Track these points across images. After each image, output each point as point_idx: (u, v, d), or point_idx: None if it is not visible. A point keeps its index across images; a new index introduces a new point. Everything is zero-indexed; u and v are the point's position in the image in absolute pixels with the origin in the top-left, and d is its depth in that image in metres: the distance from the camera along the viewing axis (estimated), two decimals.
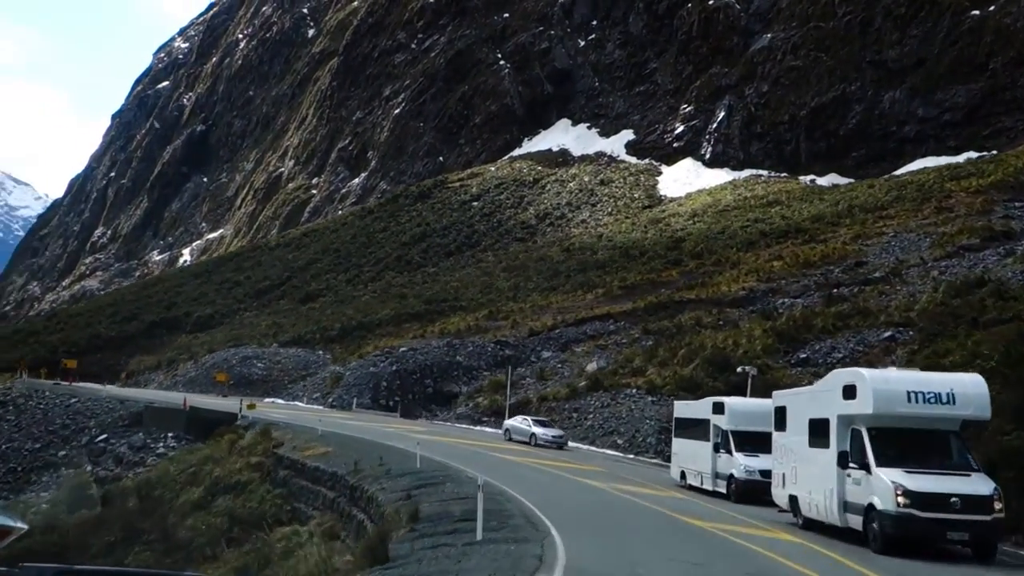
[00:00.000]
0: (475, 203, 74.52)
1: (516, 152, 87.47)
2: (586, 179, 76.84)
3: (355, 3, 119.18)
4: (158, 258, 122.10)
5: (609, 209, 70.03)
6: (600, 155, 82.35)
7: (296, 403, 38.84)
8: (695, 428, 19.30)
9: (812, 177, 65.28)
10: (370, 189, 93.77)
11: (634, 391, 28.39)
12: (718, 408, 18.41)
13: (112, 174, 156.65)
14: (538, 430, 26.62)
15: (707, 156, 75.64)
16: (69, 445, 30.75)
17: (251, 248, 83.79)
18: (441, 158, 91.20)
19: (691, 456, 19.25)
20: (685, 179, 74.31)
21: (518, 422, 27.63)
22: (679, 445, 20.05)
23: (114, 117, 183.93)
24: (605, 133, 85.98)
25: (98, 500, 23.39)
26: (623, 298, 38.21)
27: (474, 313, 41.91)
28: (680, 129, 79.94)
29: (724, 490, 17.66)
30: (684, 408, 20.55)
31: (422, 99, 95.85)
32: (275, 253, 75.61)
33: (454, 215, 72.72)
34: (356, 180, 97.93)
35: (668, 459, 21.99)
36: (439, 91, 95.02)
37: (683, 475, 19.51)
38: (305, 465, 20.09)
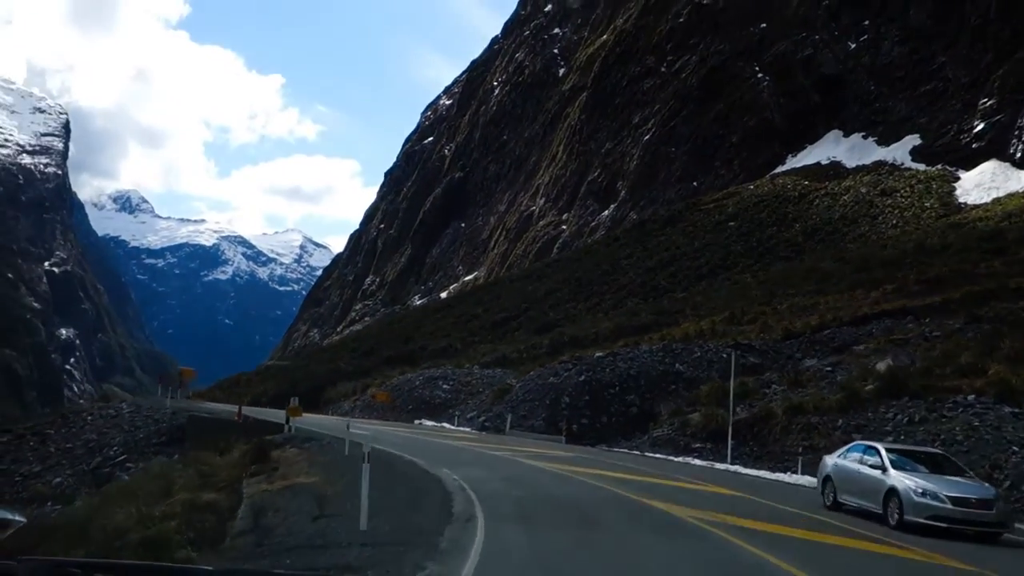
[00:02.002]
0: (731, 223, 66.69)
1: (779, 169, 78.55)
2: (863, 191, 66.41)
3: (604, 37, 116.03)
4: (419, 302, 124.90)
5: (894, 221, 59.45)
6: (880, 164, 71.43)
7: (444, 425, 33.91)
8: None
9: None
10: (619, 220, 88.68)
11: (970, 398, 19.16)
12: None
13: (381, 226, 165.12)
14: (918, 483, 13.18)
15: (1018, 155, 62.80)
16: (73, 468, 26.85)
17: (491, 282, 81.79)
18: (695, 182, 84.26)
19: None
20: (990, 183, 61.85)
21: (855, 462, 14.68)
22: None
23: (386, 175, 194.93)
24: (884, 141, 74.89)
25: None
26: (923, 293, 29.24)
27: (710, 317, 34.56)
28: (980, 127, 67.40)
29: None
30: None
31: (673, 123, 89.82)
32: (515, 285, 72.55)
33: (707, 237, 65.41)
34: (605, 212, 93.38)
35: None
36: (691, 113, 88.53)
37: None
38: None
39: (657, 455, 24.49)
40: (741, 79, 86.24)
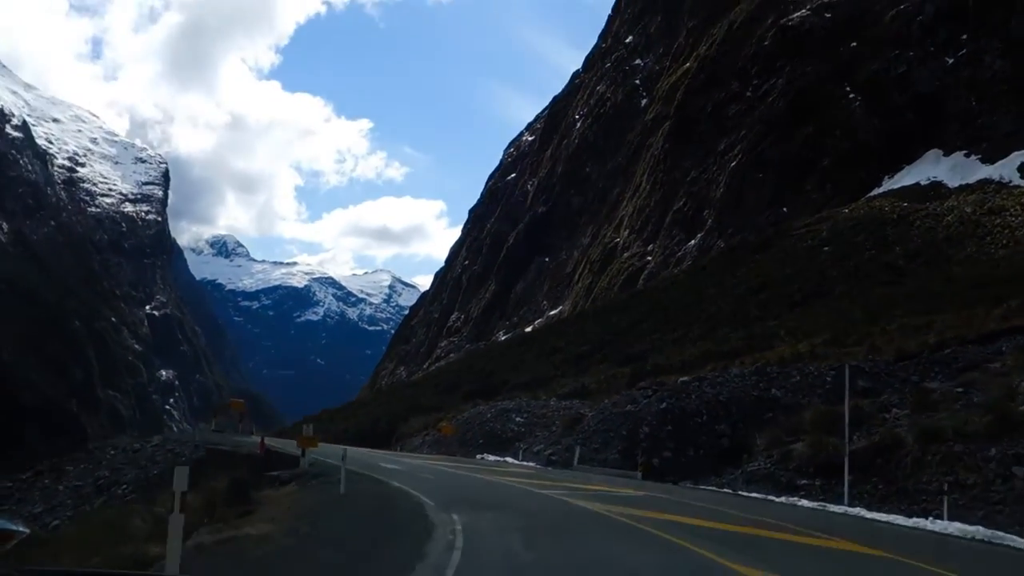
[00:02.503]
0: (826, 248, 63.52)
1: (875, 191, 74.92)
2: (968, 210, 62.43)
3: (687, 65, 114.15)
4: (504, 338, 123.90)
5: (1004, 240, 55.48)
6: (985, 183, 67.33)
7: (507, 459, 31.21)
8: None
9: None
10: (706, 249, 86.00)
11: None
12: None
13: (466, 262, 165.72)
14: None
15: None
16: (76, 509, 25.09)
17: (574, 315, 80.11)
18: (785, 208, 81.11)
19: None
20: None
21: None
22: None
23: (470, 212, 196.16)
24: (989, 158, 70.71)
25: None
26: None
27: (808, 340, 31.86)
28: None
29: None
30: None
31: (760, 148, 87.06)
32: (599, 318, 70.70)
33: (799, 263, 62.41)
34: (692, 242, 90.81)
35: None
36: (779, 137, 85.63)
37: None
38: None
39: (753, 494, 20.90)
40: (831, 101, 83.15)
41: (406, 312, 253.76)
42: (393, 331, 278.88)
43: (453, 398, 55.12)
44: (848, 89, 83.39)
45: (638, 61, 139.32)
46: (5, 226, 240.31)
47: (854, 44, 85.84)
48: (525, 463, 30.07)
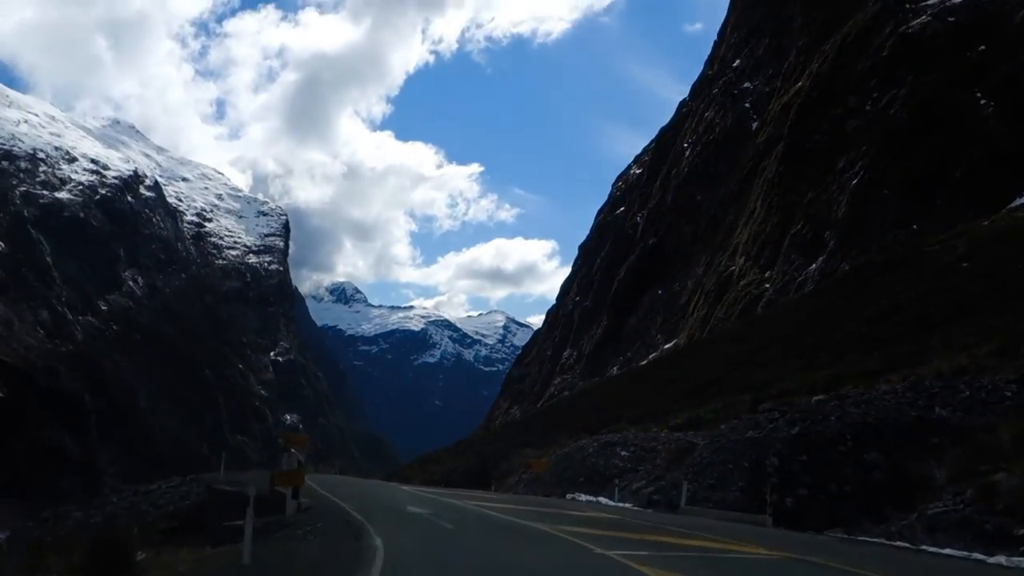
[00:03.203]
0: (964, 264, 58.23)
1: (1018, 201, 68.78)
2: None
3: (799, 84, 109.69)
4: (617, 373, 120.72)
5: None
6: None
7: (600, 500, 27.13)
8: None
9: None
10: (829, 272, 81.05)
11: None
12: None
13: (577, 298, 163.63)
14: None
15: None
16: None
17: (690, 347, 76.56)
18: (914, 225, 75.61)
19: None
20: None
21: None
22: None
23: (580, 248, 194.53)
24: None
25: None
26: None
27: (970, 351, 27.39)
28: None
29: None
30: None
31: (883, 163, 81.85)
32: (716, 347, 67.08)
33: (935, 281, 57.36)
34: (813, 265, 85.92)
35: None
36: (903, 151, 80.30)
37: None
38: None
39: (947, 550, 14.97)
40: (960, 108, 77.47)
41: (520, 353, 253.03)
42: (508, 372, 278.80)
43: (560, 435, 52.82)
44: (979, 95, 77.58)
45: (747, 84, 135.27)
46: (141, 280, 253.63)
47: (983, 47, 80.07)
48: (620, 503, 26.20)
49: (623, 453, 30.69)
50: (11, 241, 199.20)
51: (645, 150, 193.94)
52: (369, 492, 28.40)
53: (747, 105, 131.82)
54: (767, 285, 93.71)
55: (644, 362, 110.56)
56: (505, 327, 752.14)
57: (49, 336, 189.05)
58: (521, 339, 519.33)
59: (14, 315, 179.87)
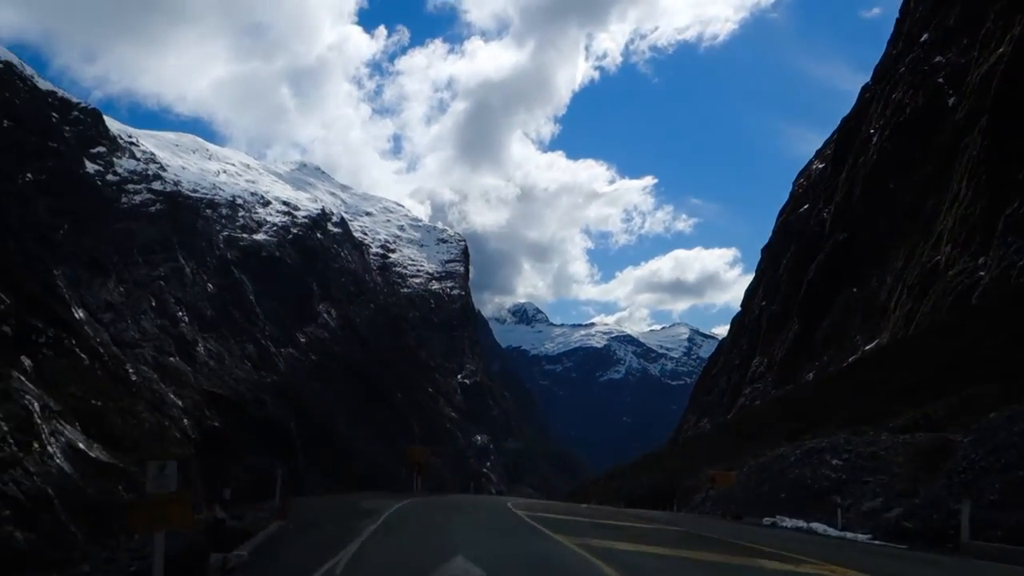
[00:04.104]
0: None
1: None
2: None
3: (1000, 50, 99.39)
4: (813, 379, 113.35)
5: None
6: None
7: (815, 527, 20.88)
8: None
9: None
10: None
11: None
12: None
13: (763, 303, 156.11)
14: None
15: None
16: None
17: (895, 345, 69.69)
18: None
19: None
20: None
21: None
22: None
23: (762, 251, 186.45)
24: None
25: None
26: None
27: None
28: None
29: None
30: None
31: None
32: (927, 343, 60.53)
33: None
34: None
35: None
36: None
37: None
38: None
39: None
40: None
41: (706, 364, 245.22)
42: (695, 384, 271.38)
43: (754, 446, 49.00)
44: None
45: (938, 58, 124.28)
46: (334, 312, 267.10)
47: None
48: (849, 534, 19.35)
49: (835, 461, 25.47)
50: (218, 282, 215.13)
51: (826, 143, 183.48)
52: (422, 532, 20.00)
53: (940, 80, 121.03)
54: (981, 273, 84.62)
55: (844, 365, 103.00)
56: (690, 339, 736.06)
57: (255, 368, 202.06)
58: (707, 351, 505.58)
59: (225, 350, 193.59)
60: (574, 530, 19.18)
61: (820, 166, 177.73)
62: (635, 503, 38.13)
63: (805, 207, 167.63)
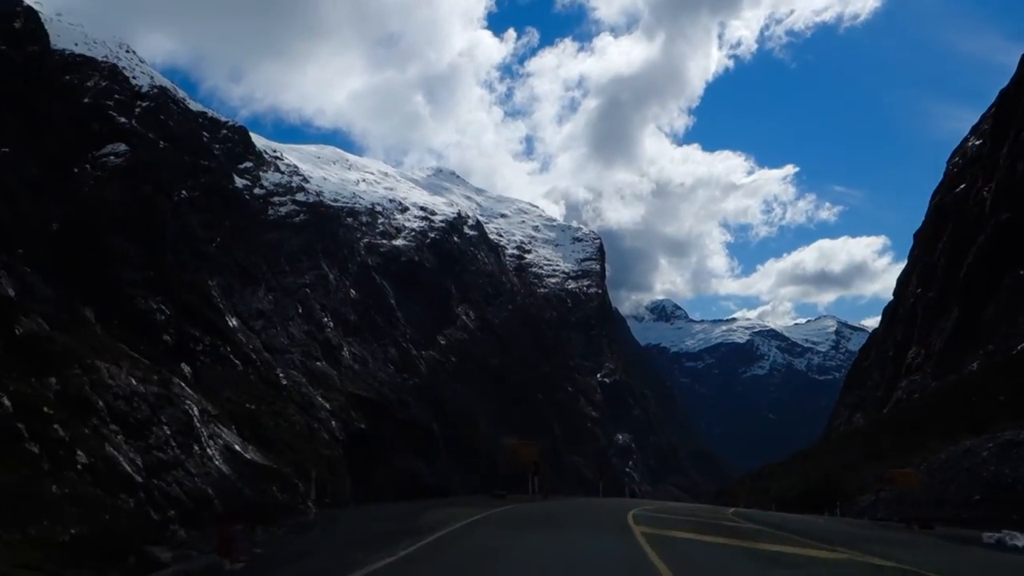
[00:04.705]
0: None
1: None
2: None
3: None
4: (978, 367, 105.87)
5: None
6: None
7: None
8: None
9: None
10: None
11: None
12: None
13: (918, 290, 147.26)
14: None
15: None
16: None
17: None
18: None
19: None
20: None
21: None
22: None
23: (915, 236, 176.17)
24: None
25: None
26: None
27: None
28: None
29: None
30: None
31: None
32: None
33: None
34: None
35: None
36: None
37: None
38: None
39: None
40: None
41: (856, 357, 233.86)
42: (844, 378, 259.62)
43: (921, 439, 45.88)
44: None
45: None
46: (472, 314, 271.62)
47: None
48: None
49: None
50: (360, 288, 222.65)
51: (983, 118, 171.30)
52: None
53: None
54: None
55: (1013, 352, 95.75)
56: (837, 332, 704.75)
57: (398, 371, 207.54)
58: (856, 343, 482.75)
59: (368, 354, 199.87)
60: None
61: (977, 143, 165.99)
62: (786, 506, 35.80)
63: (962, 187, 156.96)
